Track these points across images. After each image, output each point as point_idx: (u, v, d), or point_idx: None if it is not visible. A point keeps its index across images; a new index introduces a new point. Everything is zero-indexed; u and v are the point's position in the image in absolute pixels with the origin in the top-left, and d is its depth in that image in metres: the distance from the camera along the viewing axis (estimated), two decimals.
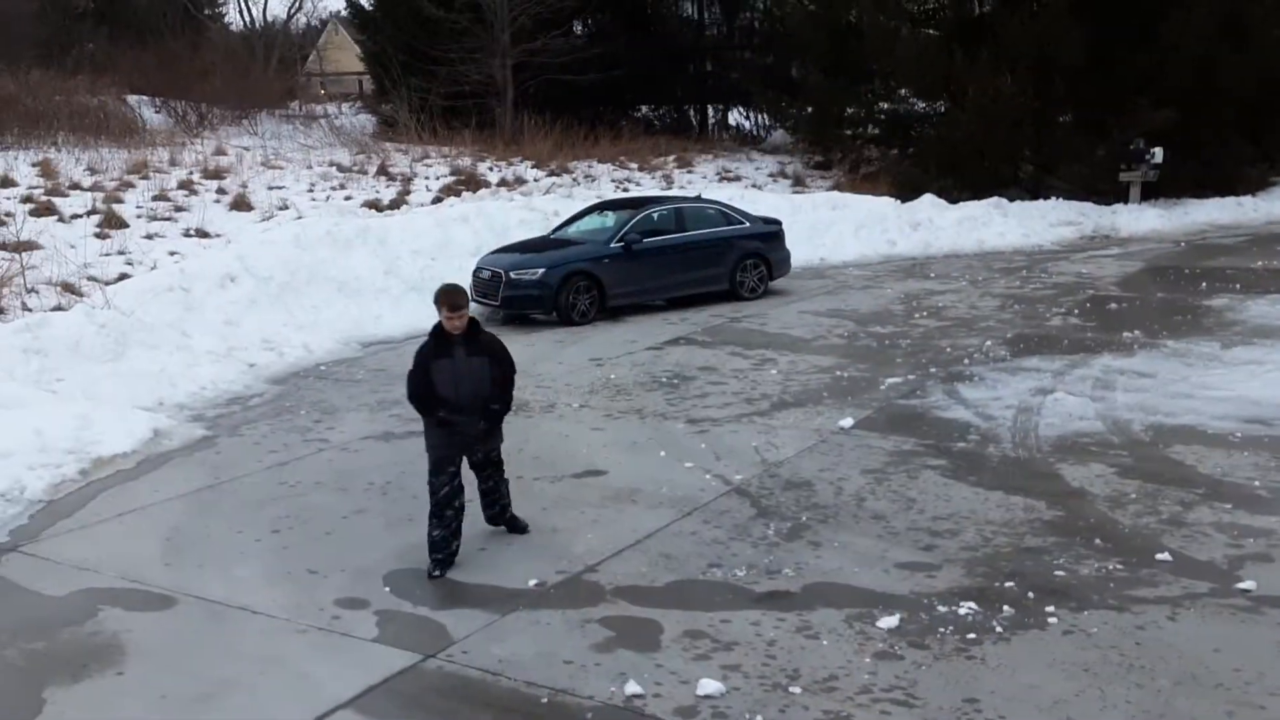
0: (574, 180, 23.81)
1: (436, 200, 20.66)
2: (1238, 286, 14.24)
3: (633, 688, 4.79)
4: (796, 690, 4.78)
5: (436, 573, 6.10)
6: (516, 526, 6.70)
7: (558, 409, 9.59)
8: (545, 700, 4.76)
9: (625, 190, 22.77)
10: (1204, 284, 14.63)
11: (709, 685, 4.78)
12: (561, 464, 8.05)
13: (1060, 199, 21.74)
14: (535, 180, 23.40)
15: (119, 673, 5.12)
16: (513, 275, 13.39)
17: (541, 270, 13.42)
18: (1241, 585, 5.67)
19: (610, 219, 14.77)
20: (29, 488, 7.47)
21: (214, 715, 4.73)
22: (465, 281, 14.03)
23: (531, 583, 5.95)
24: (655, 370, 10.91)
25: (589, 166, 25.27)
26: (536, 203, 18.04)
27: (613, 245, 13.91)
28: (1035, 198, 22.07)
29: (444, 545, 6.16)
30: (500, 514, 6.67)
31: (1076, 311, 13.23)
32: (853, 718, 4.57)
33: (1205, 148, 21.82)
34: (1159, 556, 6.06)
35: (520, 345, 12.34)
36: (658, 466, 7.90)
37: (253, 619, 5.66)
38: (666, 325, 13.26)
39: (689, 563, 6.18)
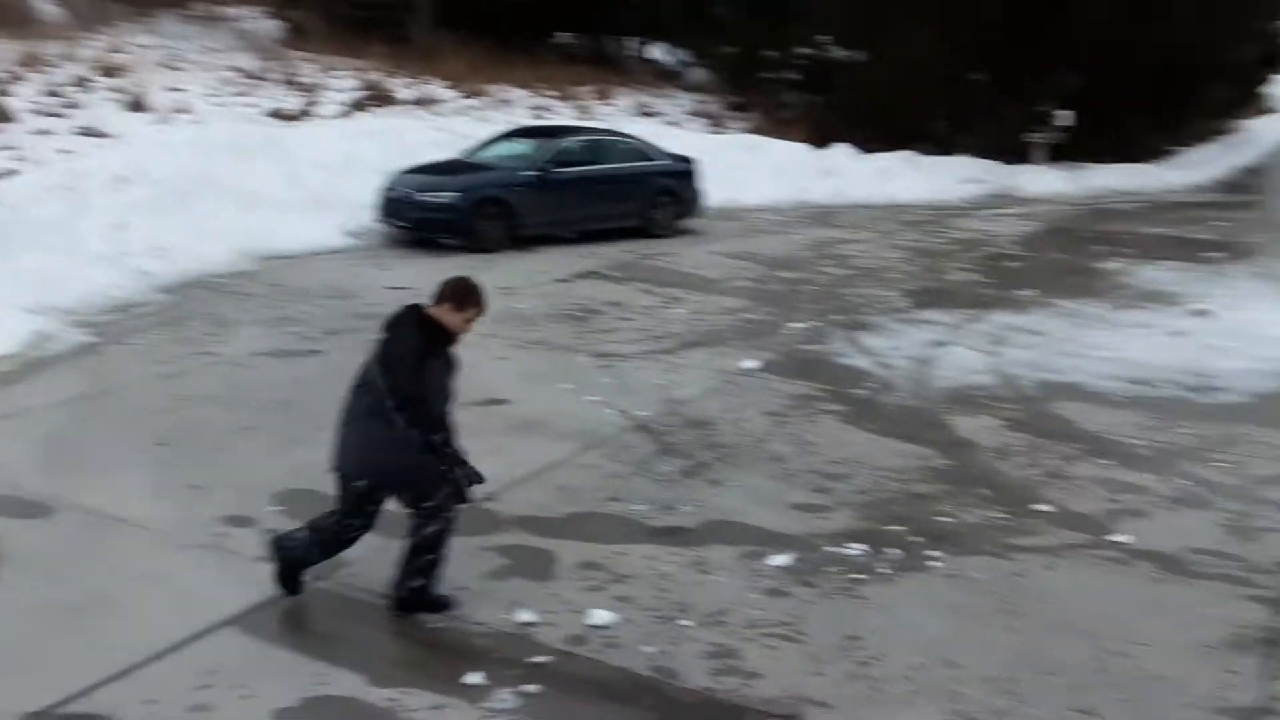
0: (489, 103, 23.32)
1: (344, 114, 20.03)
2: (1131, 251, 14.69)
3: (525, 615, 4.80)
4: (687, 623, 4.85)
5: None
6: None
7: (463, 337, 9.45)
8: (431, 625, 4.74)
9: (541, 118, 22.38)
10: (1098, 247, 15.07)
11: (600, 615, 4.82)
12: (464, 392, 7.90)
13: (968, 156, 22.08)
14: (448, 101, 22.86)
15: None
16: (423, 197, 13.06)
17: (453, 194, 13.12)
18: (1116, 538, 5.91)
19: (526, 146, 14.52)
20: None
21: (92, 626, 4.60)
22: (370, 199, 13.67)
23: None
24: (563, 303, 10.83)
25: (505, 91, 24.74)
26: (449, 124, 17.64)
27: (527, 173, 13.68)
28: (945, 154, 22.37)
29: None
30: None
31: (976, 267, 13.52)
32: (739, 650, 4.66)
33: (1110, 114, 22.33)
34: (1040, 507, 6.28)
35: (428, 270, 12.12)
36: (561, 399, 7.87)
37: (134, 531, 5.50)
38: (577, 258, 13.15)
39: (588, 495, 6.19)
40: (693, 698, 4.37)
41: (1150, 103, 22.82)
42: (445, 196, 13.07)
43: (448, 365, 4.76)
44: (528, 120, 20.76)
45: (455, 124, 17.68)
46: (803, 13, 24.64)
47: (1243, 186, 23.63)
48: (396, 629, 4.73)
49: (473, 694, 4.26)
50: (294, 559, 4.83)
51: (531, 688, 4.32)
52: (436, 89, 23.83)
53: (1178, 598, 5.32)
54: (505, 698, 4.24)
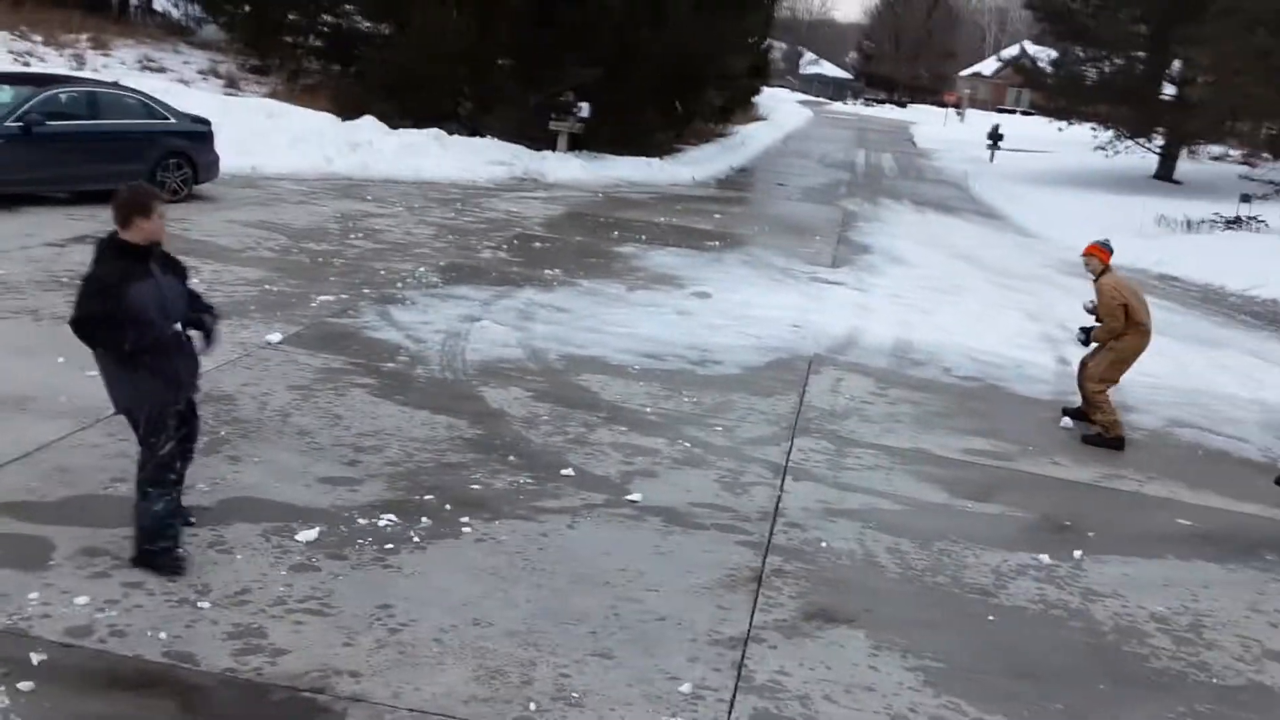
0: None
1: None
2: (643, 237, 15.88)
3: (11, 608, 4.27)
4: (206, 605, 4.56)
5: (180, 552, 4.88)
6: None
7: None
8: None
9: (26, 65, 19.81)
10: (615, 232, 16.12)
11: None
12: None
13: (496, 139, 22.65)
14: None
15: None
16: None
17: None
18: (630, 497, 6.38)
19: (6, 94, 12.74)
20: None
21: None
22: None
23: None
24: (56, 269, 9.66)
25: None
26: None
27: (7, 124, 12.00)
28: (473, 135, 22.76)
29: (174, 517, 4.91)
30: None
31: (505, 247, 13.92)
32: (264, 628, 4.46)
33: (626, 109, 23.96)
34: (564, 472, 6.62)
35: None
36: (55, 373, 7.01)
37: None
38: (71, 221, 11.77)
39: (89, 477, 5.59)
40: (213, 681, 4.11)
41: (660, 102, 24.78)
42: None
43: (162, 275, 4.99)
44: (9, 66, 18.28)
45: None
46: None
47: (736, 184, 26.34)
48: None
49: None
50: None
51: (25, 685, 3.85)
52: None
53: (681, 547, 5.85)
54: None
